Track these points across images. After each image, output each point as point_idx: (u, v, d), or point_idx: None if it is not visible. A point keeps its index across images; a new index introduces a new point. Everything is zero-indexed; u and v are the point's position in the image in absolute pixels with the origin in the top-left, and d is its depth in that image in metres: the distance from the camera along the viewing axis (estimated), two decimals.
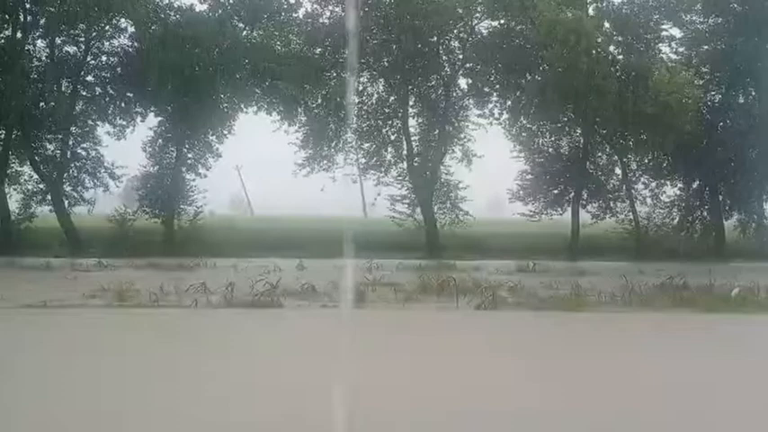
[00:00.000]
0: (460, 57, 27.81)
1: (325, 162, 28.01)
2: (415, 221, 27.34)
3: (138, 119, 27.47)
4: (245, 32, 27.28)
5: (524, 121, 27.82)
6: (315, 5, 27.36)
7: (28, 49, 26.26)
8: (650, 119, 23.72)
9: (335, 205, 31.70)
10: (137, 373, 7.71)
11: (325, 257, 19.97)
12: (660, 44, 27.08)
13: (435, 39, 27.36)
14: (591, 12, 26.43)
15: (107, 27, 26.79)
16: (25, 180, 26.96)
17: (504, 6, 26.32)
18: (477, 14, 27.29)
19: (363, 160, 28.64)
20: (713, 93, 27.72)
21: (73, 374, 7.68)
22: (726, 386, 7.54)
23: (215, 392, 7.00)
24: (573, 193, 27.46)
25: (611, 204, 27.93)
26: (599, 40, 24.71)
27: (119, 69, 27.09)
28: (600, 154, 28.40)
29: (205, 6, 26.98)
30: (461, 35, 27.75)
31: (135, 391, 7.03)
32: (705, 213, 28.06)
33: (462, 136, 28.27)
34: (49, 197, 26.46)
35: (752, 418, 6.49)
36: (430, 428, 6.14)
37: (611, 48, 26.08)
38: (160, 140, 27.61)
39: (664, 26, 26.87)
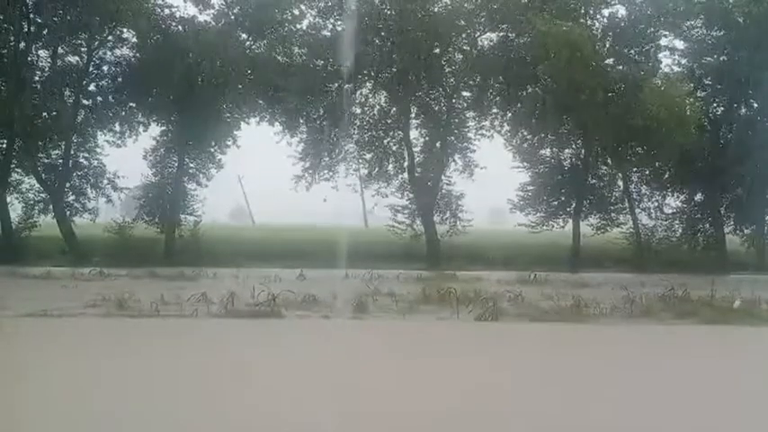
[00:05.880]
0: (463, 68, 27.85)
1: (326, 172, 28.06)
2: (416, 232, 27.36)
3: (141, 128, 27.52)
4: (248, 43, 27.32)
5: (525, 133, 27.88)
6: (317, 18, 27.49)
7: (30, 59, 26.32)
8: (643, 131, 23.69)
9: (337, 215, 31.77)
10: (133, 382, 7.70)
11: (326, 267, 20.05)
12: (661, 55, 27.18)
13: (438, 51, 27.41)
14: (589, 23, 26.48)
15: (109, 37, 26.87)
16: (27, 189, 27.02)
17: (504, 19, 26.44)
18: (480, 27, 27.36)
19: (365, 171, 28.71)
20: (715, 105, 27.73)
21: (71, 382, 7.66)
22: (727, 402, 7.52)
23: (210, 402, 6.98)
24: (574, 205, 27.47)
25: (613, 216, 27.92)
26: (596, 49, 24.69)
27: (120, 79, 27.16)
28: (601, 165, 28.37)
29: (209, 17, 27.07)
30: (464, 47, 27.80)
31: (130, 399, 7.02)
32: (707, 225, 27.99)
33: (464, 146, 28.33)
34: (50, 206, 26.52)
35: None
36: None
37: (611, 60, 26.05)
38: (162, 150, 27.66)
39: (665, 37, 26.96)
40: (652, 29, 26.45)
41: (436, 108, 28.36)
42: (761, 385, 8.22)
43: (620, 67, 26.13)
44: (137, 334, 11.09)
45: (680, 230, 28.01)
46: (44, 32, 26.39)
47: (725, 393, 7.76)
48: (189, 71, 25.55)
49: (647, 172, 27.81)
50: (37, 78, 26.76)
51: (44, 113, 26.32)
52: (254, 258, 23.31)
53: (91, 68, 27.10)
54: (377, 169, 28.35)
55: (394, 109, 28.31)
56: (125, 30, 26.63)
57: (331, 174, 28.10)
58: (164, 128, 27.62)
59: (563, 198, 27.81)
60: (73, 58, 27.16)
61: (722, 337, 11.74)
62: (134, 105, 27.30)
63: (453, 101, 28.14)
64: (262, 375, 8.21)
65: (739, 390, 7.92)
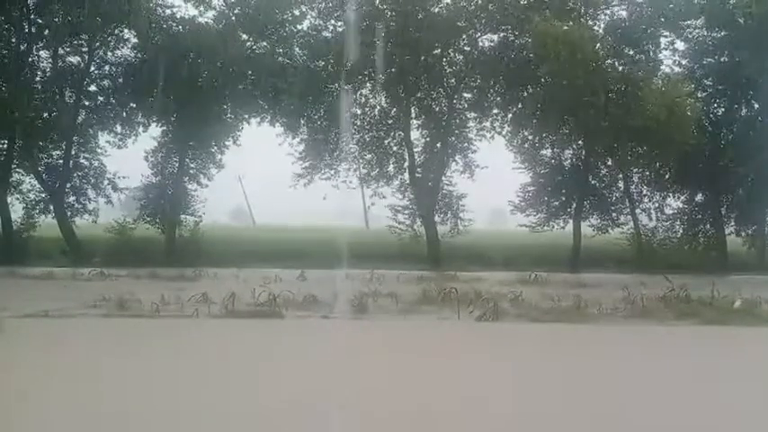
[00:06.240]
0: (463, 69, 27.84)
1: (326, 170, 28.05)
2: (416, 232, 27.36)
3: (141, 129, 27.53)
4: (248, 44, 27.32)
5: (526, 133, 27.87)
6: (318, 19, 27.50)
7: (31, 60, 26.36)
8: (643, 132, 23.63)
9: (337, 216, 31.75)
10: (133, 382, 7.70)
11: (326, 268, 20.04)
12: (662, 56, 27.16)
13: (439, 51, 27.41)
14: (590, 23, 26.46)
15: (110, 38, 26.92)
16: (28, 189, 27.05)
17: (503, 20, 26.42)
18: (480, 27, 27.30)
19: (365, 171, 28.69)
20: (716, 105, 27.71)
21: (71, 383, 7.66)
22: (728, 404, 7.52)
23: (211, 402, 6.98)
24: (575, 205, 27.46)
25: (614, 216, 27.93)
26: (597, 48, 24.66)
27: (121, 80, 27.19)
28: (601, 166, 28.36)
29: (209, 18, 27.08)
30: (465, 48, 27.79)
31: (130, 399, 7.03)
32: (708, 226, 27.97)
33: (465, 147, 28.33)
34: (51, 207, 26.55)
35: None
36: None
37: (610, 60, 25.98)
38: (163, 150, 27.68)
39: (666, 38, 26.93)
40: (652, 29, 26.43)
41: (437, 109, 28.37)
42: (761, 386, 8.22)
43: (621, 68, 26.10)
44: (137, 334, 11.09)
45: (681, 231, 27.99)
46: (45, 33, 26.43)
47: (725, 394, 7.76)
48: (189, 72, 25.58)
49: (648, 172, 27.77)
50: (38, 79, 26.85)
51: (45, 114, 26.34)
52: (254, 259, 23.29)
53: (92, 69, 27.17)
54: (377, 170, 28.36)
55: (394, 110, 28.31)
56: (126, 30, 26.66)
57: (332, 172, 28.12)
58: (164, 128, 27.63)
59: (563, 198, 27.80)
60: (74, 59, 27.31)
61: (723, 338, 11.73)
62: (134, 106, 27.30)
63: (454, 101, 28.14)
64: (262, 375, 8.21)
65: (739, 390, 7.91)
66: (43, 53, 26.94)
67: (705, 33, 27.19)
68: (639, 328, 12.21)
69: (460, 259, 23.89)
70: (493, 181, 29.59)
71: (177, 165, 27.43)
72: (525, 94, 27.00)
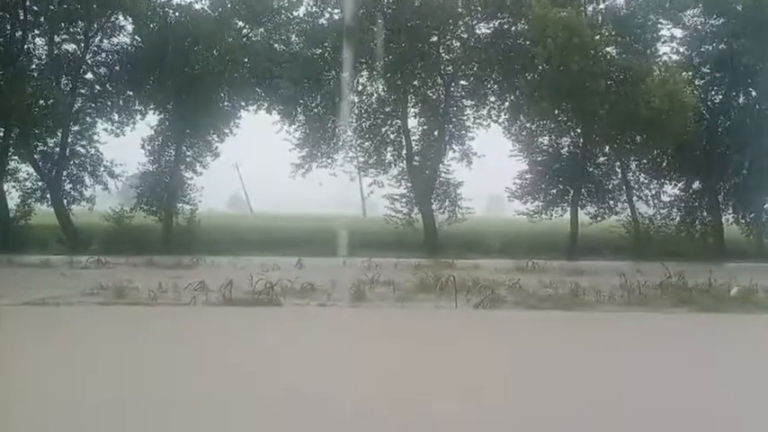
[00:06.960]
0: (460, 57, 27.76)
1: (323, 159, 27.99)
2: (414, 220, 27.36)
3: (138, 116, 27.47)
4: (245, 31, 27.23)
5: (523, 121, 27.84)
6: (314, 7, 27.38)
7: (27, 47, 26.23)
8: (643, 120, 23.60)
9: (335, 204, 31.73)
10: (131, 370, 7.70)
11: (324, 256, 20.05)
12: (659, 44, 27.07)
13: (436, 38, 27.34)
14: (589, 10, 26.37)
15: (106, 25, 26.78)
16: (24, 177, 26.98)
17: (500, 7, 26.32)
18: (477, 14, 27.22)
19: (363, 159, 28.65)
20: (713, 93, 27.70)
21: (69, 371, 7.65)
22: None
23: (208, 391, 6.99)
24: (572, 193, 27.46)
25: (611, 204, 27.96)
26: (596, 38, 24.59)
27: (118, 67, 27.08)
28: (599, 154, 28.34)
29: (205, 5, 26.97)
30: (462, 35, 27.71)
31: (127, 387, 7.03)
32: (705, 213, 28.00)
33: (462, 134, 28.30)
34: (48, 195, 26.51)
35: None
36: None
37: (609, 48, 25.89)
38: (160, 138, 27.62)
39: (663, 26, 26.85)
40: (652, 16, 26.33)
41: (434, 97, 28.35)
42: (757, 372, 8.24)
43: (622, 56, 26.00)
44: (135, 322, 11.08)
45: (678, 218, 28.03)
46: (41, 20, 26.29)
47: (722, 380, 7.78)
48: (186, 59, 25.48)
49: (645, 160, 27.78)
50: (34, 66, 26.74)
51: (41, 102, 26.23)
52: (252, 247, 23.28)
53: (88, 56, 27.04)
54: (375, 158, 28.31)
55: (392, 97, 28.24)
56: (122, 17, 26.53)
57: (330, 161, 28.09)
58: (161, 116, 27.55)
59: (561, 186, 27.80)
60: (70, 46, 27.15)
61: (719, 325, 11.76)
62: (131, 94, 27.22)
63: (451, 89, 28.11)
64: (260, 363, 8.21)
65: (736, 377, 7.93)
66: (39, 40, 26.85)
67: (703, 21, 27.16)
68: (636, 315, 12.23)
69: (458, 247, 23.91)
70: (491, 168, 29.62)
71: (174, 153, 27.38)
72: (522, 81, 26.93)
